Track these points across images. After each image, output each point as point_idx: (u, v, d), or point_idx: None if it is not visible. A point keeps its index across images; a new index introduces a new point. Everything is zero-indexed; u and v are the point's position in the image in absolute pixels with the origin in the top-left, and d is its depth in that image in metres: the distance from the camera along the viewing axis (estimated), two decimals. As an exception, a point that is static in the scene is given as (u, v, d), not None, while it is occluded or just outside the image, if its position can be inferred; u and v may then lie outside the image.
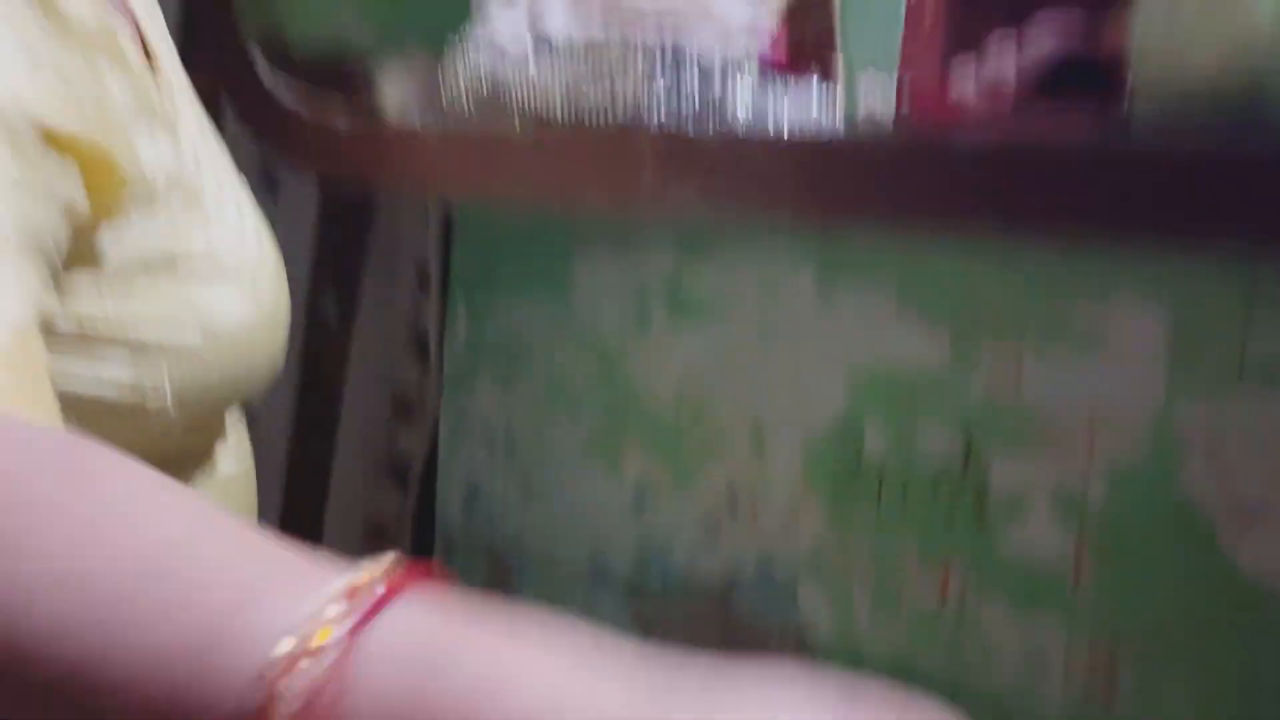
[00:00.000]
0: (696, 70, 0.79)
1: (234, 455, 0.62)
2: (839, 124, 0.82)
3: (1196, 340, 0.72)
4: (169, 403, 0.50)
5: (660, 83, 0.79)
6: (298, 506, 1.07)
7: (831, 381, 0.89)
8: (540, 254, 1.08)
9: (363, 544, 1.24)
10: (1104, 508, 0.76)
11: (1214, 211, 0.57)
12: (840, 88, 0.84)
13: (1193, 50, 0.52)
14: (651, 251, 0.99)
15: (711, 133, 0.77)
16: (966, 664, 0.83)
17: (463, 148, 0.90)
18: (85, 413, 0.45)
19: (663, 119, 0.76)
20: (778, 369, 0.92)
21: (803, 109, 0.83)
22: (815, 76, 0.84)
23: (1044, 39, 0.74)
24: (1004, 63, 0.77)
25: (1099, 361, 0.75)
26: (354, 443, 1.24)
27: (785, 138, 0.74)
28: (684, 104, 0.75)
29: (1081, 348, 0.76)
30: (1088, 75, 0.67)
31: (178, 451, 0.55)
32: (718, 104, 0.75)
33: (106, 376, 0.48)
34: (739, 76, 0.77)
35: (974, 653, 0.83)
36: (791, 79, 0.84)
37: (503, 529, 1.13)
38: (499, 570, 1.13)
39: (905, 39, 0.84)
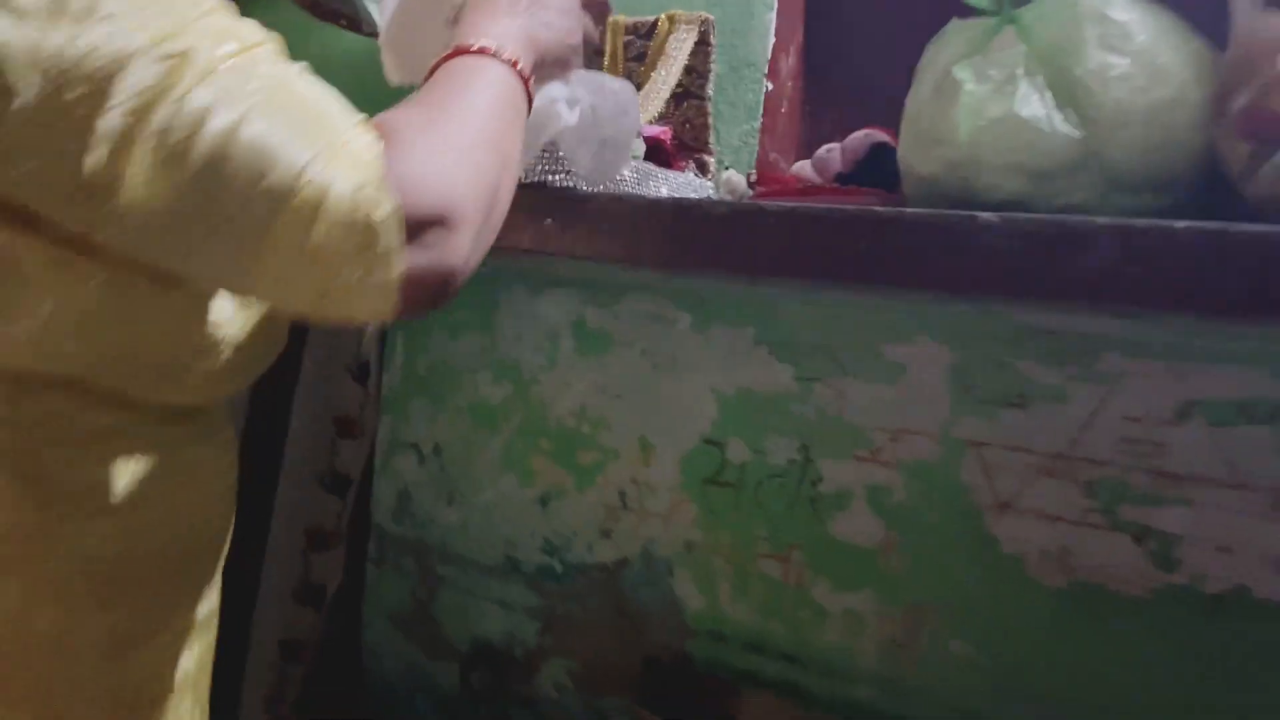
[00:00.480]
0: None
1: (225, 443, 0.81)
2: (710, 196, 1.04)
3: (973, 371, 0.94)
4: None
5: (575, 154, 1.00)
6: (247, 510, 1.24)
7: (703, 403, 1.10)
8: (468, 295, 1.27)
9: (306, 545, 1.41)
10: (905, 501, 0.98)
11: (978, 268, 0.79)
12: (710, 179, 1.06)
13: (924, 160, 0.75)
14: (561, 295, 1.19)
15: (604, 195, 0.99)
16: (803, 629, 1.03)
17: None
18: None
19: (568, 183, 0.96)
20: (660, 393, 1.13)
21: (683, 190, 1.05)
22: (693, 167, 1.06)
23: (859, 143, 0.97)
24: (831, 156, 1.00)
25: (900, 387, 0.97)
26: (300, 455, 1.41)
27: (660, 202, 0.96)
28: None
29: (889, 376, 0.98)
30: (885, 170, 0.89)
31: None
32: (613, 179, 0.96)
33: None
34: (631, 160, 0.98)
35: (809, 620, 1.03)
36: (675, 171, 1.05)
37: (429, 530, 1.31)
38: (425, 565, 1.31)
39: (761, 137, 1.07)
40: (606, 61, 1.13)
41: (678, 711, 1.10)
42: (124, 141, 0.54)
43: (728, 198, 1.02)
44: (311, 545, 1.40)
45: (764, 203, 0.88)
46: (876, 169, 0.90)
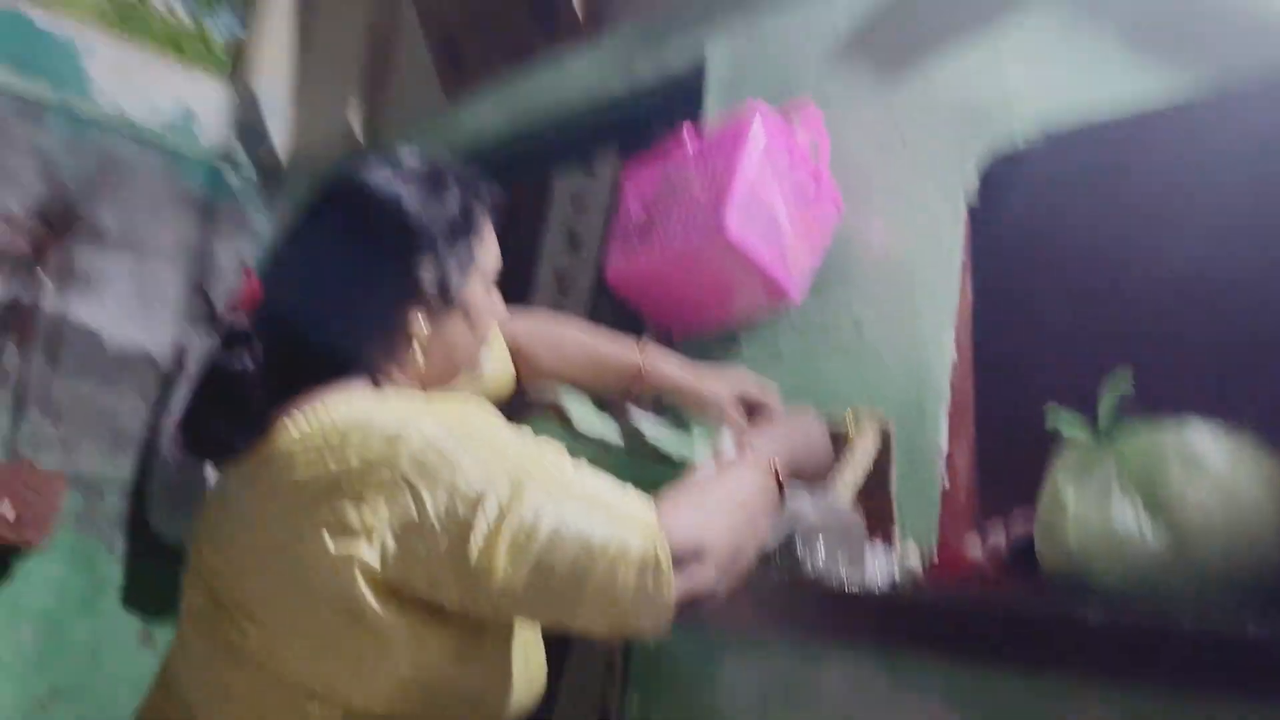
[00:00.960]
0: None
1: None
2: (894, 576, 1.20)
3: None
4: None
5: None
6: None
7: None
8: (691, 653, 1.46)
9: None
10: None
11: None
12: (896, 551, 1.23)
13: (1050, 555, 0.91)
14: (773, 659, 1.36)
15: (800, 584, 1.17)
16: None
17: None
18: None
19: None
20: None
21: (876, 564, 1.22)
22: (880, 542, 1.24)
23: (1018, 524, 1.13)
24: (998, 538, 1.15)
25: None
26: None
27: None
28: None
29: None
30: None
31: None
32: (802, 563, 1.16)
33: None
34: (817, 540, 1.17)
35: None
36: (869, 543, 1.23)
37: None
38: None
39: (941, 521, 1.24)
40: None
41: None
42: (490, 543, 0.83)
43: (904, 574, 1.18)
44: None
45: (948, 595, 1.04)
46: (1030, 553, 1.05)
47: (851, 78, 1.50)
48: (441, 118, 2.40)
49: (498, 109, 2.25)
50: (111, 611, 2.56)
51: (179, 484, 2.48)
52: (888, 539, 1.27)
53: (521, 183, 2.17)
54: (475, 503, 0.84)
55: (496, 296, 1.09)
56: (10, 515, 2.27)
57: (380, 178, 1.01)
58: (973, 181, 1.35)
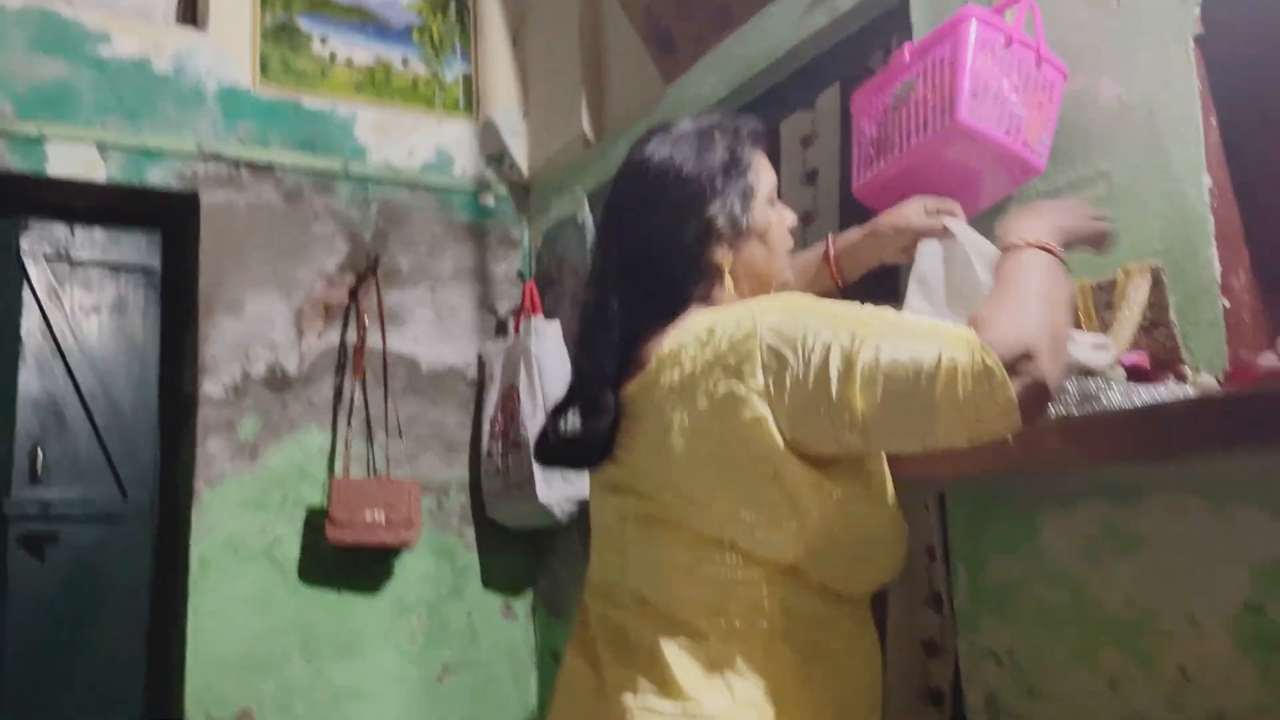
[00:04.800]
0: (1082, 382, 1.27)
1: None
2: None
3: None
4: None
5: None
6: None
7: (1236, 576, 1.26)
8: (1013, 517, 1.56)
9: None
10: None
11: None
12: (1188, 385, 1.28)
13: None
14: (1092, 504, 1.44)
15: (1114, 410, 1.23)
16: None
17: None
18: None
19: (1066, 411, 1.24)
20: (1194, 575, 1.31)
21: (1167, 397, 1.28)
22: (1171, 378, 1.30)
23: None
24: (1290, 347, 1.19)
25: None
26: (898, 677, 1.73)
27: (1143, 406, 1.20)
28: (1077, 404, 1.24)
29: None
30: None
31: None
32: (1096, 400, 1.23)
33: None
34: (1110, 383, 1.24)
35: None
36: (1154, 383, 1.29)
37: (1019, 727, 1.53)
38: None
39: (1229, 345, 1.28)
40: (1080, 315, 1.42)
41: None
42: (845, 382, 0.99)
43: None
44: (922, 752, 1.68)
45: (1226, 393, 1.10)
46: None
47: (1051, -50, 1.55)
48: (664, 100, 2.59)
49: (716, 78, 2.41)
50: (475, 593, 2.94)
51: (505, 477, 2.80)
52: (1179, 375, 1.32)
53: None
54: (826, 352, 1.00)
55: (781, 208, 1.25)
56: (383, 521, 2.66)
57: (657, 148, 1.20)
58: (1195, 12, 1.38)
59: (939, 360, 0.95)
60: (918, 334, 1.00)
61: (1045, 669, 1.51)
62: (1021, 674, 1.54)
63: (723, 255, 1.17)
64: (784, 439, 1.03)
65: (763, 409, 1.03)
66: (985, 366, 0.94)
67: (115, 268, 2.88)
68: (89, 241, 2.86)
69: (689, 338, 1.10)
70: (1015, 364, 0.95)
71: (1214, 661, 1.29)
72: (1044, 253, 1.09)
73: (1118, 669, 1.40)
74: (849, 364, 0.99)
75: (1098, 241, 1.27)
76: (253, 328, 2.78)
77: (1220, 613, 1.28)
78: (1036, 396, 0.96)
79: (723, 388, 1.05)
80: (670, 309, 1.16)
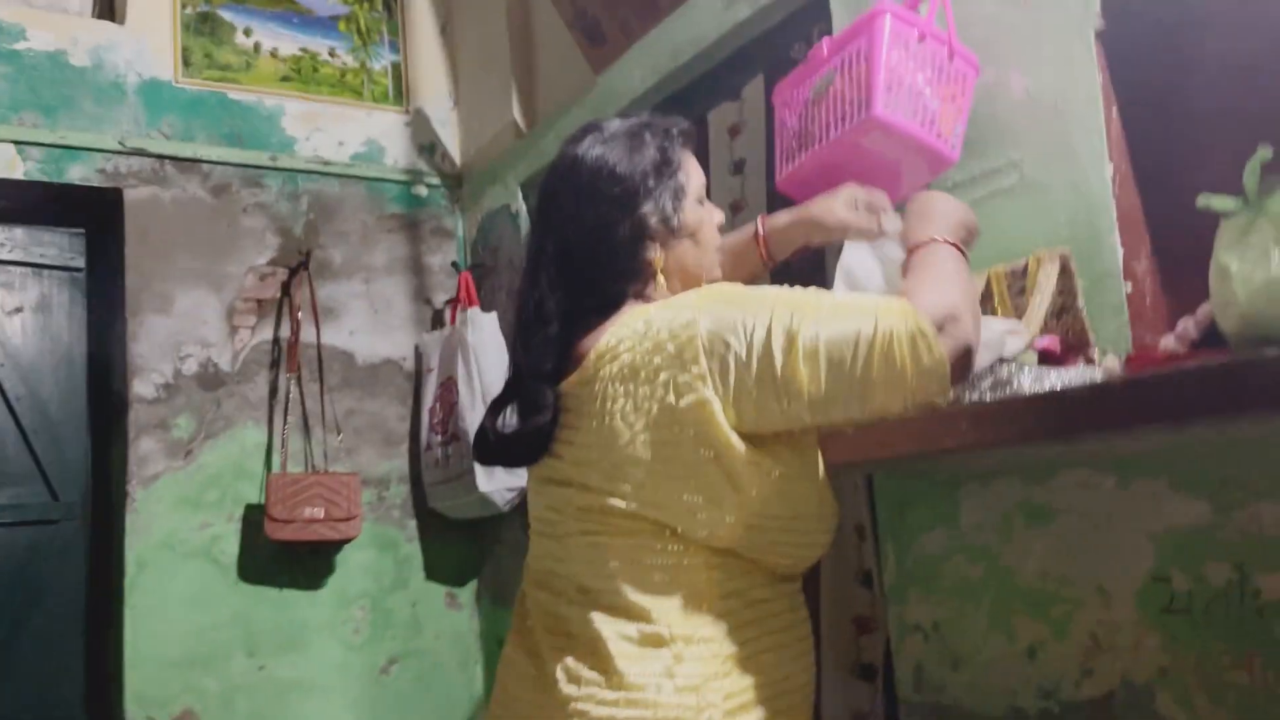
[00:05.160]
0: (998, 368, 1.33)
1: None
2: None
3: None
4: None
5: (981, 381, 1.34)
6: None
7: (1141, 547, 1.33)
8: (935, 497, 1.62)
9: (849, 722, 1.75)
10: None
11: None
12: (1096, 367, 1.34)
13: (1226, 320, 1.02)
14: (1005, 483, 1.50)
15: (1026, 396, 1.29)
16: (1280, 726, 1.18)
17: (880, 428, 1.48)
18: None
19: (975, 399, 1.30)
20: (1103, 546, 1.37)
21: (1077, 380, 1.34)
22: (1081, 361, 1.36)
23: (1205, 313, 1.22)
24: (1187, 328, 1.25)
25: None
26: (832, 653, 1.79)
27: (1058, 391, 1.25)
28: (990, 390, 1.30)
29: None
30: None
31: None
32: (1009, 385, 1.28)
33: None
34: (1022, 368, 1.30)
35: (1284, 717, 1.18)
36: (1064, 365, 1.35)
37: (944, 694, 1.60)
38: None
39: (1131, 325, 1.35)
40: (996, 301, 1.48)
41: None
42: (789, 359, 1.04)
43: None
44: (855, 724, 1.74)
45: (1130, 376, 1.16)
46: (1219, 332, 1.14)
47: (962, -55, 1.60)
48: (593, 90, 2.61)
49: (643, 68, 2.43)
50: (418, 584, 2.95)
51: (445, 468, 2.82)
52: (1087, 358, 1.38)
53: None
54: (767, 332, 1.05)
55: (711, 207, 1.28)
56: (323, 516, 2.66)
57: (589, 147, 1.22)
58: (1096, 7, 1.44)
59: (875, 328, 1.02)
60: (854, 307, 1.06)
61: (967, 639, 1.57)
62: (945, 645, 1.60)
63: (655, 253, 1.20)
64: (729, 421, 1.08)
65: (706, 393, 1.07)
66: (919, 329, 1.02)
67: (38, 267, 2.83)
68: (10, 241, 2.80)
69: (626, 331, 1.14)
70: (943, 325, 1.04)
71: (1123, 627, 1.36)
72: (951, 247, 1.17)
73: (1034, 637, 1.47)
74: (791, 340, 1.04)
75: (971, 240, 1.31)
76: (183, 325, 2.76)
77: (1128, 581, 1.35)
78: (963, 356, 1.05)
79: (664, 375, 1.09)
80: (605, 306, 1.18)
